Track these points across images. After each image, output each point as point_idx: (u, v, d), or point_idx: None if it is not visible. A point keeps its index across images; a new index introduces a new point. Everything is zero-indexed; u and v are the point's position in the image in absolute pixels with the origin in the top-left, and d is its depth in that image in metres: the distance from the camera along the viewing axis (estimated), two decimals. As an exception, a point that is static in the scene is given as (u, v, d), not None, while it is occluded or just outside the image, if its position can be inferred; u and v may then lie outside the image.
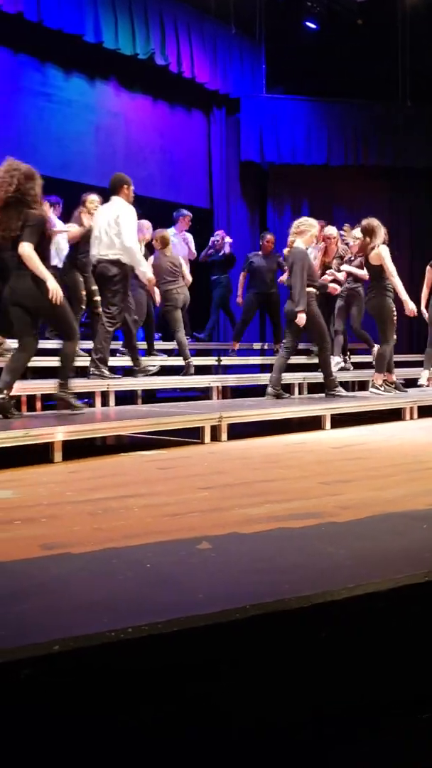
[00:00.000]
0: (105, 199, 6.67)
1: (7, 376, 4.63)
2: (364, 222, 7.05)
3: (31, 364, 6.32)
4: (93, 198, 7.04)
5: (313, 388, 7.47)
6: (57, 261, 7.46)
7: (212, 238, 9.42)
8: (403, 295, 6.86)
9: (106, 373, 6.23)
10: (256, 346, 9.51)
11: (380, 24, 11.41)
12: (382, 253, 6.81)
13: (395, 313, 6.90)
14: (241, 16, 10.90)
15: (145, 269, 6.50)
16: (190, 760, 1.56)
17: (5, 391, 4.59)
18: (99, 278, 6.44)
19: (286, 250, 7.09)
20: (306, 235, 6.60)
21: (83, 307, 7.00)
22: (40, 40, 8.77)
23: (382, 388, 7.00)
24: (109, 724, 1.49)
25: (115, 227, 6.24)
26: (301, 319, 6.35)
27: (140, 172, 10.30)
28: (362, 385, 7.96)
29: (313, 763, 1.68)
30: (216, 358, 8.46)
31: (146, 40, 9.75)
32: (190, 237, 8.73)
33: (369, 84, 12.16)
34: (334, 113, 12.00)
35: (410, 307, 6.88)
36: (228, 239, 9.43)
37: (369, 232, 6.94)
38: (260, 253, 8.74)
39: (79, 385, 6.21)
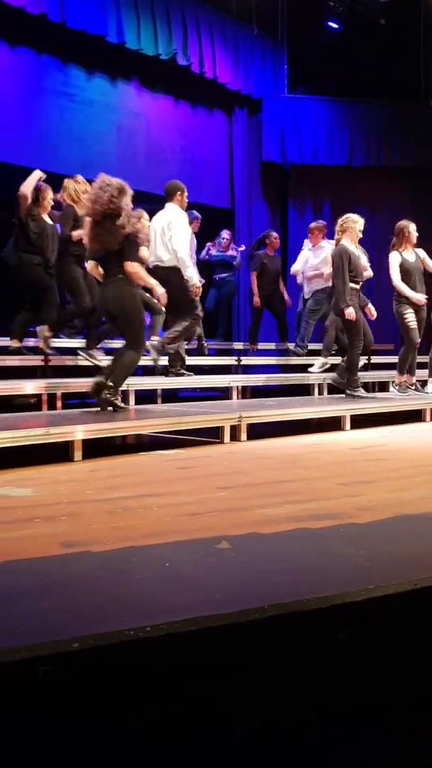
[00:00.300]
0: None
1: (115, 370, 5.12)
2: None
3: (51, 363, 6.42)
4: (67, 182, 6.86)
5: (333, 388, 7.45)
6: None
7: (217, 239, 9.28)
8: (408, 292, 6.92)
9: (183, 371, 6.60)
10: (272, 346, 9.45)
11: (402, 24, 11.34)
12: (389, 260, 6.96)
13: (406, 317, 6.90)
14: (264, 16, 10.89)
15: (191, 274, 6.54)
16: (208, 758, 1.56)
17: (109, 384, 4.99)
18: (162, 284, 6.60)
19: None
20: (350, 232, 6.64)
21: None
22: (63, 41, 8.81)
23: (397, 388, 7.09)
24: (125, 722, 1.49)
25: (168, 233, 6.43)
26: (350, 313, 6.43)
27: (161, 173, 10.31)
28: (383, 386, 7.92)
29: (322, 764, 1.68)
30: (236, 357, 8.45)
31: (168, 41, 9.77)
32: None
33: (391, 84, 12.09)
34: (356, 113, 11.94)
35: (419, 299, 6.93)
36: (241, 247, 9.31)
37: (395, 235, 7.02)
38: (268, 252, 8.71)
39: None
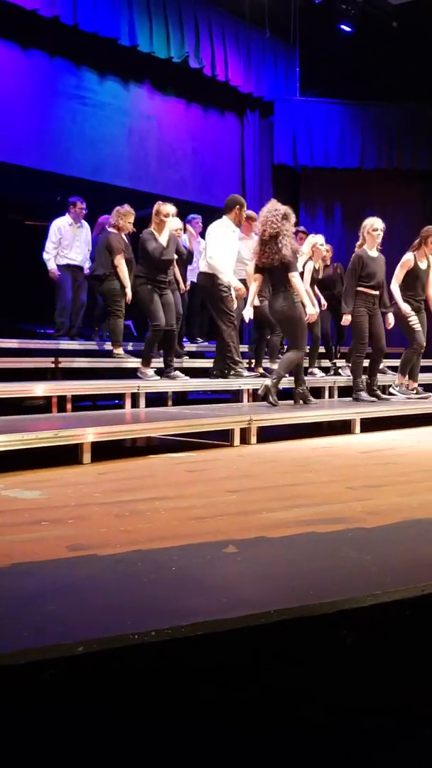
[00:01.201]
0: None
1: (288, 370, 6.06)
2: None
3: (62, 365, 6.44)
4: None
5: (344, 392, 7.44)
6: (68, 260, 7.57)
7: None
8: (397, 297, 6.98)
9: (242, 372, 6.88)
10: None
11: (414, 26, 11.30)
12: (402, 259, 7.03)
13: (410, 319, 6.89)
14: (276, 19, 10.89)
15: (226, 278, 6.74)
16: (214, 762, 1.56)
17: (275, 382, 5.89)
18: (201, 290, 7.13)
19: None
20: (367, 237, 6.68)
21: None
22: (75, 44, 8.85)
23: (397, 389, 7.14)
24: (130, 726, 1.49)
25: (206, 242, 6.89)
26: (346, 320, 6.65)
27: (173, 175, 10.35)
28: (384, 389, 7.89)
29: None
30: (247, 360, 8.43)
31: (180, 44, 9.79)
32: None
33: (403, 87, 12.05)
34: (368, 116, 11.91)
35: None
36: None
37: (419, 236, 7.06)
38: None
39: (109, 386, 6.28)
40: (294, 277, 5.91)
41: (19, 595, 1.79)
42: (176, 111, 10.52)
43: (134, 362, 6.81)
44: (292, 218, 5.93)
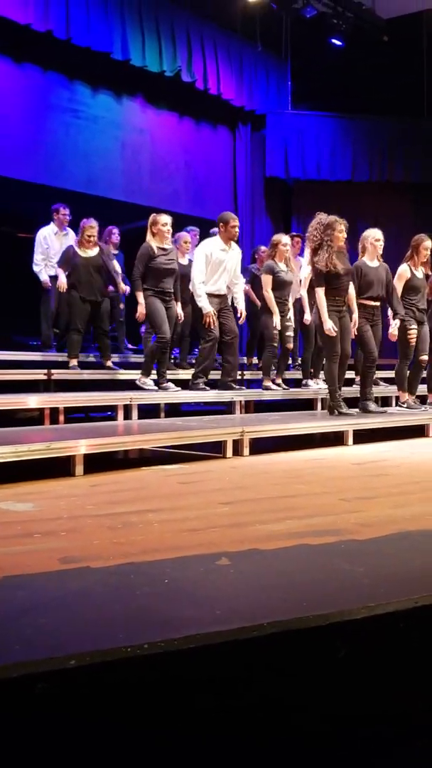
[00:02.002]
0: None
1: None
2: None
3: (54, 377, 6.44)
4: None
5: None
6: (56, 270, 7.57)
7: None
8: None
9: (199, 384, 6.84)
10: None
11: (405, 40, 11.43)
12: (398, 271, 6.99)
13: (410, 332, 6.87)
14: (267, 33, 10.99)
15: (202, 304, 6.80)
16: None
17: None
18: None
19: None
20: (369, 247, 6.71)
21: None
22: (68, 58, 8.90)
23: (404, 405, 7.08)
24: (123, 740, 1.48)
25: None
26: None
27: (165, 188, 10.39)
28: (384, 401, 7.91)
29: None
30: (239, 372, 8.44)
31: (173, 58, 9.85)
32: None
33: (394, 100, 12.16)
34: (359, 129, 12.00)
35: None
36: None
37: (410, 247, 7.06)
38: (258, 266, 8.70)
39: (101, 398, 6.28)
40: (316, 291, 6.22)
41: (11, 608, 1.78)
42: (169, 124, 10.57)
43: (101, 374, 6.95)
44: (339, 225, 6.15)
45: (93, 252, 7.12)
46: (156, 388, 6.57)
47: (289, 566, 2.22)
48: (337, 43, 11.38)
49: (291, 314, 7.59)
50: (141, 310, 6.59)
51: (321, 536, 2.56)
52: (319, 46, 11.47)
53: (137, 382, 6.58)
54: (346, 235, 6.31)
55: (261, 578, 2.06)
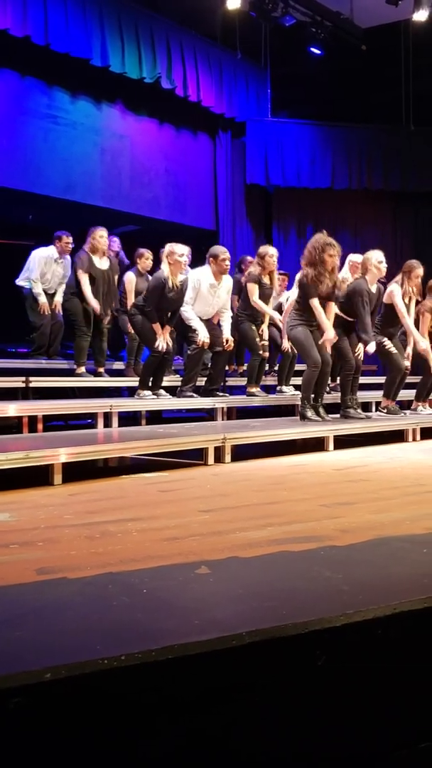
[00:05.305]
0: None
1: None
2: None
3: (32, 384, 6.39)
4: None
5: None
6: (48, 285, 7.55)
7: None
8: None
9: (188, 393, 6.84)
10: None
11: (384, 49, 11.53)
12: (393, 291, 6.95)
13: (385, 344, 6.91)
14: (247, 41, 11.03)
15: (195, 326, 6.85)
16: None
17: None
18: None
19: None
20: (374, 270, 6.65)
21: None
22: (47, 64, 8.87)
23: (384, 410, 7.13)
24: (100, 754, 1.46)
25: None
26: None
27: (146, 194, 10.39)
28: (365, 407, 7.93)
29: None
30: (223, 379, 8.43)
31: (153, 65, 9.85)
32: None
33: (373, 108, 12.28)
34: (339, 137, 12.08)
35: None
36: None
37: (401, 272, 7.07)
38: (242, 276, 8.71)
39: (81, 406, 6.25)
40: (311, 302, 6.20)
41: (-14, 621, 1.75)
42: (149, 131, 10.57)
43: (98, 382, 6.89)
44: (330, 249, 6.13)
45: (106, 264, 7.16)
46: (155, 396, 6.59)
47: (268, 574, 2.20)
48: (316, 51, 11.44)
49: (265, 326, 7.60)
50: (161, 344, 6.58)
51: (301, 543, 2.55)
52: (299, 54, 11.53)
53: (135, 396, 6.60)
54: (337, 260, 6.35)
55: (240, 587, 2.05)
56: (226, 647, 1.60)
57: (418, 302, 7.17)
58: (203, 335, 6.76)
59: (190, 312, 6.83)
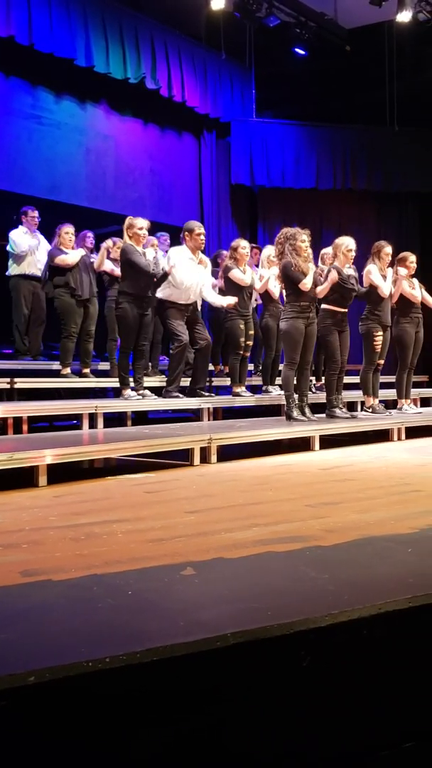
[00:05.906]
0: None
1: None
2: None
3: (17, 385, 6.36)
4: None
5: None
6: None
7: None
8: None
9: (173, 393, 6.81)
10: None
11: (368, 50, 11.57)
12: (369, 271, 7.08)
13: (376, 338, 6.97)
14: (231, 42, 11.03)
15: (220, 303, 7.07)
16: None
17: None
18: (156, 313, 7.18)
19: None
20: (342, 257, 6.76)
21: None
22: (31, 64, 8.83)
23: (369, 410, 7.17)
24: (86, 757, 1.46)
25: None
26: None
27: (130, 194, 10.36)
28: (351, 406, 7.96)
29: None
30: (207, 379, 8.42)
31: (137, 65, 9.83)
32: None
33: (357, 109, 12.32)
34: (323, 138, 12.11)
35: None
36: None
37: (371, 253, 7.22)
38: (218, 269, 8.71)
39: (66, 407, 6.22)
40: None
41: (-30, 624, 1.74)
42: (134, 131, 10.55)
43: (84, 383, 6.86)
44: (300, 236, 6.28)
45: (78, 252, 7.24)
46: (140, 396, 6.55)
47: (254, 575, 2.20)
48: (301, 52, 11.47)
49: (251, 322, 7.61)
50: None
51: (286, 543, 2.55)
52: (283, 55, 11.55)
53: (121, 397, 6.59)
54: (309, 246, 6.35)
55: (226, 588, 2.05)
56: (211, 648, 1.60)
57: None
58: (229, 299, 7.00)
59: (211, 295, 7.02)
